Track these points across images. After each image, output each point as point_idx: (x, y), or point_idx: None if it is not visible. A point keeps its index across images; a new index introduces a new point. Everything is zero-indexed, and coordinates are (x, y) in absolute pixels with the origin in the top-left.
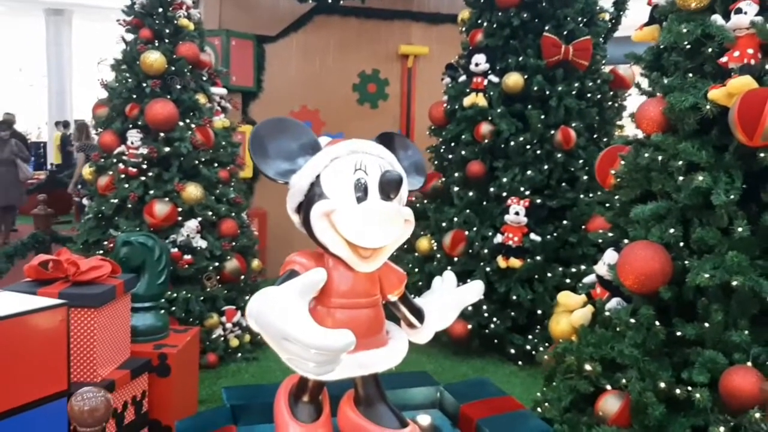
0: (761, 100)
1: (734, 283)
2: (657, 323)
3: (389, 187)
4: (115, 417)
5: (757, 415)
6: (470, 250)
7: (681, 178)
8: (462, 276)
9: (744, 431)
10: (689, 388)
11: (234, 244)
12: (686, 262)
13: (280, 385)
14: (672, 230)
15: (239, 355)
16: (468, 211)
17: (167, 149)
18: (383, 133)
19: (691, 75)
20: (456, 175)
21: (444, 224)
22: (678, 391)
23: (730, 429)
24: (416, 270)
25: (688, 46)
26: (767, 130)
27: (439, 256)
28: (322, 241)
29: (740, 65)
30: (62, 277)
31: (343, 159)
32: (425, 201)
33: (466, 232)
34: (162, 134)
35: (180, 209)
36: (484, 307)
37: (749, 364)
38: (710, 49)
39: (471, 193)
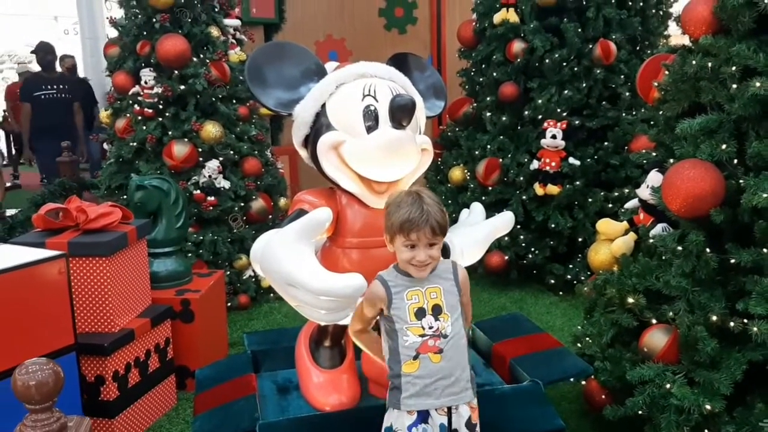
0: None
1: None
2: (707, 250)
3: (401, 113)
4: (137, 366)
5: None
6: (505, 178)
7: (735, 85)
8: (497, 205)
9: None
10: (745, 320)
11: (258, 183)
12: (741, 180)
13: (301, 330)
14: (724, 146)
15: (271, 295)
16: (502, 137)
17: (182, 87)
18: (396, 54)
19: None
20: (488, 99)
21: (477, 152)
22: (732, 324)
23: None
24: (449, 202)
25: None
26: None
27: (472, 186)
28: (332, 177)
29: None
30: (72, 225)
31: (350, 85)
32: (456, 128)
33: (501, 160)
34: (176, 72)
35: (200, 149)
36: (522, 236)
37: None
38: None
39: (504, 118)
